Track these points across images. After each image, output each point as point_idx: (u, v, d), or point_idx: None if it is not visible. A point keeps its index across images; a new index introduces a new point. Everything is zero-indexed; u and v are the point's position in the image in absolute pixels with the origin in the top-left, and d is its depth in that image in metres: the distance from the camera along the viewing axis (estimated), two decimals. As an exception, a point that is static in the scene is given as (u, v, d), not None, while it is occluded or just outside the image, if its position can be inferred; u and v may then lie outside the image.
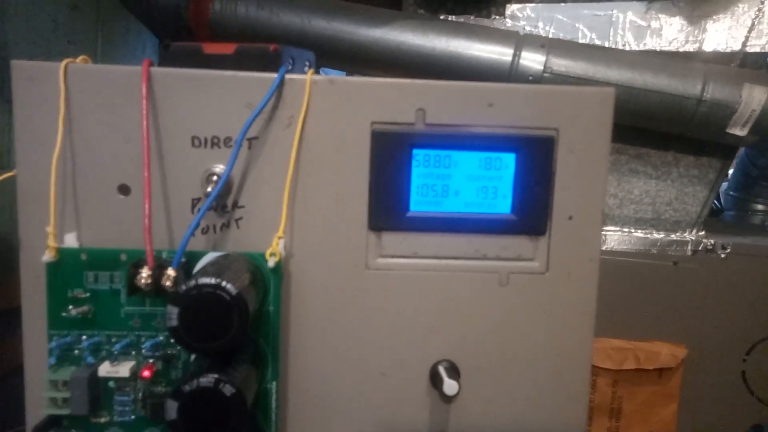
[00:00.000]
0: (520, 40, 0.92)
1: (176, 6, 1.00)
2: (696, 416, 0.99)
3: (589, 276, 0.37)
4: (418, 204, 0.36)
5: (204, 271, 0.29)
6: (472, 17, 1.02)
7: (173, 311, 0.27)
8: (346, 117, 0.35)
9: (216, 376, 0.28)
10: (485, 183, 0.36)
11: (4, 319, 0.71)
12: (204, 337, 0.28)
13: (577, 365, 0.38)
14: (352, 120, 0.35)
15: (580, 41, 0.98)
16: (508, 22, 1.01)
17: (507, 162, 0.36)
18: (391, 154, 0.35)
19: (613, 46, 0.97)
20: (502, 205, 0.36)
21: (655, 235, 1.00)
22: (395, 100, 0.35)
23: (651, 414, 0.99)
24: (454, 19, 1.02)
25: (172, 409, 0.27)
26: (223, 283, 0.28)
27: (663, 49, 0.96)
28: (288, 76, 0.35)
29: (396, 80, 0.35)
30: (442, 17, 1.03)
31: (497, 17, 1.01)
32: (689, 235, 0.99)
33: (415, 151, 0.35)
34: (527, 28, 1.00)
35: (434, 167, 0.36)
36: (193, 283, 0.27)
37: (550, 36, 0.99)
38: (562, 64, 0.90)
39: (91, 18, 1.11)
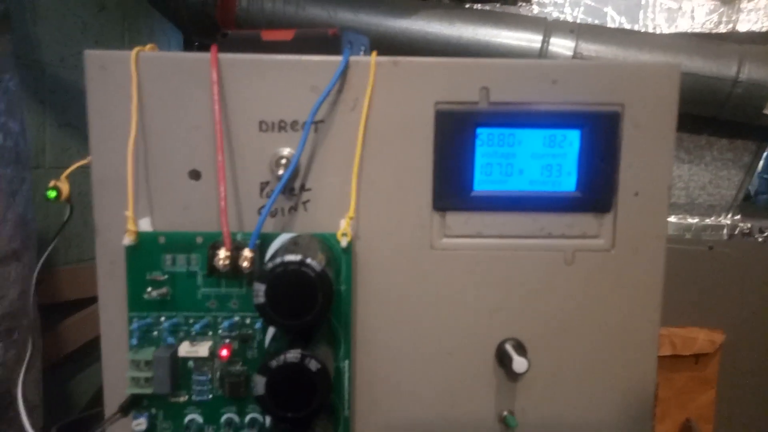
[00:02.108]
0: (548, 26, 0.91)
1: (203, 3, 1.01)
2: (734, 402, 0.98)
3: (656, 253, 0.37)
4: (483, 183, 0.36)
5: (287, 250, 0.29)
6: (498, 5, 1.01)
7: (260, 288, 0.28)
8: (409, 98, 0.35)
9: (301, 351, 0.28)
10: (550, 161, 0.36)
11: (44, 314, 0.73)
12: (290, 314, 0.28)
13: (644, 342, 0.37)
14: (416, 100, 0.35)
15: (609, 26, 0.97)
16: (535, 9, 1.00)
17: (571, 139, 0.36)
18: (454, 134, 0.35)
19: (644, 30, 0.96)
20: (566, 182, 0.36)
21: (689, 220, 0.99)
22: (459, 79, 0.35)
23: (688, 400, 0.98)
24: (480, 8, 1.02)
25: (260, 384, 0.28)
26: (308, 260, 0.28)
27: (695, 31, 0.94)
28: (352, 58, 0.35)
29: (460, 59, 0.35)
30: (467, 6, 1.02)
31: (523, 4, 1.00)
32: (724, 220, 0.98)
33: (479, 130, 0.36)
34: (554, 14, 0.99)
35: (498, 146, 0.36)
36: (278, 260, 0.28)
37: (578, 21, 0.98)
38: (592, 49, 0.89)
39: (118, 18, 1.13)
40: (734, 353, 0.96)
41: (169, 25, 1.12)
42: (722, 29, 0.93)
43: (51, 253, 0.64)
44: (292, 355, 0.28)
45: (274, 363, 0.28)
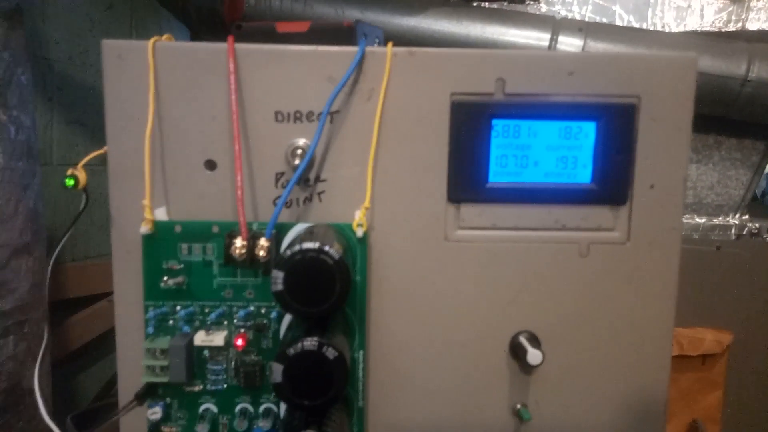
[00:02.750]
0: (556, 25, 0.91)
1: (211, 0, 1.01)
2: (741, 403, 0.97)
3: (671, 245, 0.37)
4: (498, 175, 0.36)
5: (304, 238, 0.29)
6: (505, 3, 1.01)
7: (278, 275, 0.28)
8: (425, 88, 0.35)
9: (319, 339, 0.28)
10: (565, 153, 0.36)
11: (50, 310, 0.73)
12: (308, 301, 0.28)
13: (658, 335, 0.37)
14: (432, 91, 0.35)
15: (617, 24, 0.97)
16: (543, 7, 1.00)
17: (587, 131, 0.36)
18: (470, 125, 0.35)
19: (652, 28, 0.96)
20: (582, 174, 0.36)
21: (697, 220, 0.98)
22: (475, 70, 0.35)
23: (694, 401, 0.98)
24: (488, 6, 1.02)
25: (277, 371, 0.28)
26: (326, 248, 0.28)
27: (704, 29, 0.94)
28: (368, 49, 0.35)
29: (475, 50, 0.35)
30: (475, 4, 1.02)
31: (531, 2, 1.00)
32: (732, 219, 0.98)
33: (494, 122, 0.35)
34: (563, 13, 0.99)
35: (513, 137, 0.36)
36: (297, 248, 0.28)
37: (586, 20, 0.98)
38: (600, 48, 0.89)
39: (126, 15, 1.14)
40: (742, 354, 0.95)
41: (177, 22, 1.12)
42: (731, 28, 0.93)
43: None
44: (310, 342, 0.28)
45: (291, 351, 0.28)
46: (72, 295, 0.88)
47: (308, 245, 0.28)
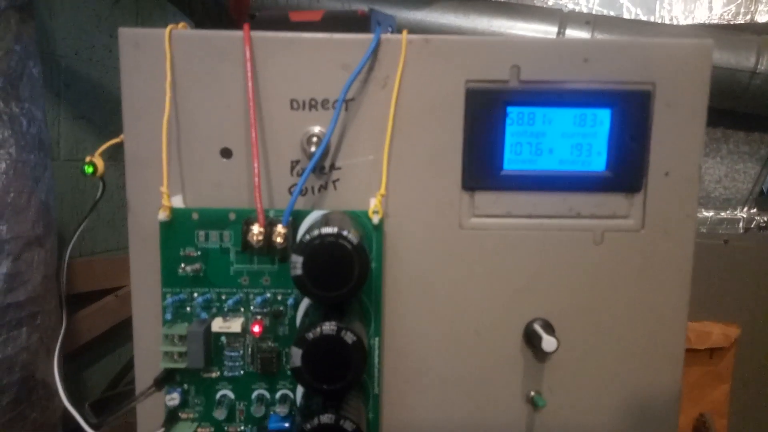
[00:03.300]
0: (563, 18, 0.91)
1: (218, -5, 1.01)
2: (749, 396, 0.97)
3: (685, 233, 0.37)
4: (512, 162, 0.36)
5: (322, 223, 0.29)
6: (512, -4, 1.01)
7: (297, 260, 0.28)
8: (440, 76, 0.35)
9: (337, 324, 0.28)
10: (580, 140, 0.36)
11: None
12: (327, 286, 0.28)
13: (672, 323, 0.37)
14: (447, 78, 0.35)
15: (625, 17, 0.96)
16: (550, 0, 1.00)
17: (602, 118, 0.36)
18: (485, 113, 0.35)
19: (660, 21, 0.95)
20: (596, 162, 0.36)
21: (705, 214, 0.98)
22: (490, 57, 0.35)
23: (702, 395, 0.98)
24: (494, -1, 1.01)
25: (296, 356, 0.28)
26: (345, 233, 0.28)
27: (713, 22, 0.93)
28: (383, 36, 0.35)
29: (490, 37, 0.35)
30: (482, -3, 1.02)
31: (538, -5, 1.00)
32: (740, 213, 0.97)
33: (509, 109, 0.35)
34: (569, 6, 0.99)
35: (528, 125, 0.36)
36: (315, 232, 0.28)
37: (594, 12, 0.97)
38: (608, 40, 0.89)
39: (132, 11, 1.14)
40: (749, 348, 0.95)
41: (183, 17, 1.12)
42: (740, 20, 0.92)
43: (64, 245, 0.64)
44: (329, 327, 0.28)
45: (310, 335, 0.28)
46: (79, 290, 0.89)
47: (327, 230, 0.28)
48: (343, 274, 0.28)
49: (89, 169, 0.32)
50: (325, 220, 0.31)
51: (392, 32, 0.41)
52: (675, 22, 0.95)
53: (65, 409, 0.66)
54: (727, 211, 0.98)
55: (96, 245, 1.00)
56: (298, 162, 0.36)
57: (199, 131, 0.35)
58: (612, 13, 0.97)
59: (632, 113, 0.35)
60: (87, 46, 0.99)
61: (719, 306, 0.95)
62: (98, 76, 1.01)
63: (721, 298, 0.95)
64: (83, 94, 0.99)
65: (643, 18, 0.96)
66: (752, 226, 0.95)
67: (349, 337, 0.28)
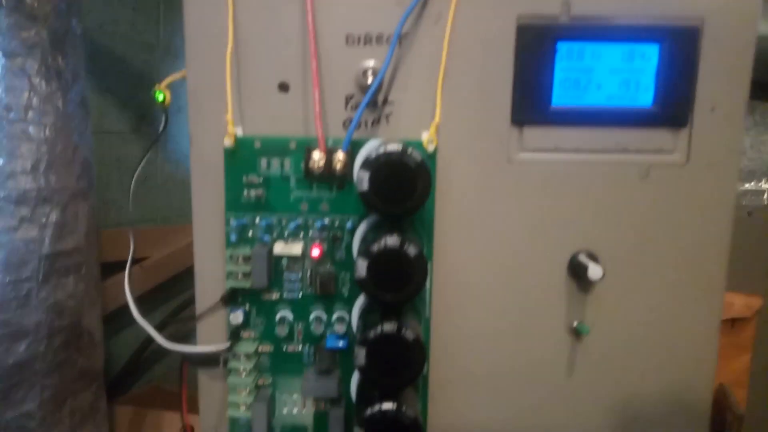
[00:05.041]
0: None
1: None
2: (769, 367, 0.98)
3: (729, 167, 0.37)
4: (561, 98, 0.37)
5: (388, 142, 0.30)
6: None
7: (364, 176, 0.29)
8: (492, 11, 0.36)
9: (400, 238, 0.30)
10: (627, 75, 0.37)
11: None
12: (392, 201, 0.30)
13: (714, 256, 0.38)
14: (498, 13, 0.36)
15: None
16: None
17: (650, 54, 0.36)
18: (535, 48, 0.36)
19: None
20: (644, 97, 0.37)
21: (729, 185, 0.98)
22: (541, -7, 0.36)
23: (722, 365, 0.98)
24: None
25: (361, 267, 0.30)
26: (409, 150, 0.29)
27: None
28: (437, -28, 0.36)
29: (543, -27, 0.36)
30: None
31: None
32: (765, 185, 0.97)
33: (559, 44, 0.36)
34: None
35: (577, 60, 0.37)
36: (381, 149, 0.29)
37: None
38: None
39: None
40: (770, 319, 0.95)
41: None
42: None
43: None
44: (392, 240, 0.30)
45: (375, 247, 0.30)
46: (103, 260, 0.91)
47: (391, 147, 0.29)
48: (407, 189, 0.30)
49: (160, 96, 0.34)
50: (387, 143, 0.32)
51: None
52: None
53: (106, 361, 0.68)
54: (752, 183, 0.98)
55: (121, 217, 1.02)
56: (352, 97, 0.37)
57: (257, 65, 0.36)
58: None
59: (680, 49, 0.36)
60: (110, 20, 1.00)
61: (742, 277, 0.95)
62: (121, 50, 1.02)
63: (744, 269, 0.95)
64: (107, 68, 1.00)
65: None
66: (777, 197, 0.95)
67: (411, 250, 0.30)
